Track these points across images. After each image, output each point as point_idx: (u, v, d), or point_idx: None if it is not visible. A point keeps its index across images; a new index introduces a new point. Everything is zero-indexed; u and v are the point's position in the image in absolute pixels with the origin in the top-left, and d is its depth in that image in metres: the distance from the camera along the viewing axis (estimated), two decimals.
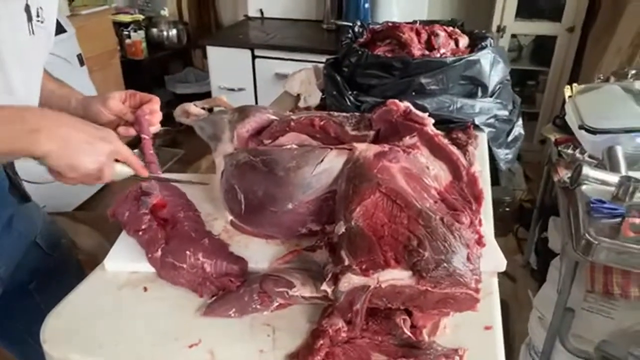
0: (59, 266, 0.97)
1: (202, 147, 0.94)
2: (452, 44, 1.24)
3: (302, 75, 1.47)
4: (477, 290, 0.58)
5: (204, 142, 0.92)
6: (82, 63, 2.46)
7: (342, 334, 0.61)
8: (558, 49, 2.65)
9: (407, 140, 0.78)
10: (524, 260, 2.12)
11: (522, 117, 1.29)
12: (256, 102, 2.59)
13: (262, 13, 2.98)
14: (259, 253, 0.76)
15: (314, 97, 1.38)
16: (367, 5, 2.58)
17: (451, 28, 1.30)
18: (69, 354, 0.62)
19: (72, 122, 0.67)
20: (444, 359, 0.57)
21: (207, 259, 0.71)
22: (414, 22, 1.35)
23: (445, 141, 0.78)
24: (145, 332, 0.64)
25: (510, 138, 1.22)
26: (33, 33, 0.72)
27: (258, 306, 0.66)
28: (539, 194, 1.97)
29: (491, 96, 1.20)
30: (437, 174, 0.74)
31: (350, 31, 1.34)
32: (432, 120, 0.81)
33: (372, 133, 0.84)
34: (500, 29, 2.66)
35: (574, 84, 1.58)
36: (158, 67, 3.46)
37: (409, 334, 0.61)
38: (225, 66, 2.62)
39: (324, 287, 0.61)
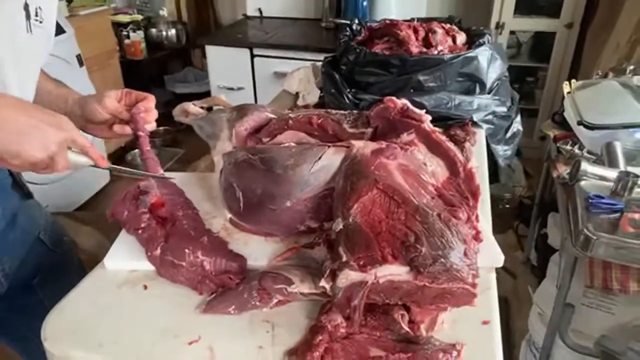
0: (61, 263, 0.98)
1: (202, 146, 0.94)
2: (450, 41, 1.25)
3: (300, 74, 1.47)
4: (474, 285, 0.58)
5: (203, 141, 0.92)
6: (81, 63, 2.46)
7: (341, 329, 0.61)
8: (557, 45, 2.65)
9: (405, 137, 0.78)
10: (524, 256, 2.12)
11: (521, 114, 1.29)
12: (256, 101, 2.59)
13: (260, 12, 2.98)
14: (258, 250, 0.76)
15: (313, 95, 1.39)
16: (365, 3, 2.58)
17: (449, 25, 1.30)
18: (70, 351, 0.63)
19: (19, 105, 0.62)
20: (442, 353, 0.58)
21: (206, 257, 0.71)
22: (412, 19, 1.36)
23: (443, 138, 0.78)
24: (145, 330, 0.64)
25: (508, 134, 1.22)
26: (31, 32, 0.72)
27: (257, 303, 0.66)
28: (539, 190, 1.97)
29: (489, 93, 1.20)
30: (435, 170, 0.75)
31: (348, 29, 1.34)
32: (430, 117, 0.81)
33: (369, 130, 0.85)
34: (499, 26, 2.66)
35: (573, 80, 1.58)
36: (157, 67, 3.47)
37: (407, 329, 0.61)
38: (225, 65, 2.63)
39: (322, 283, 0.61)
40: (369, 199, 0.66)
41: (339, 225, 0.65)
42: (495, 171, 1.24)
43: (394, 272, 0.59)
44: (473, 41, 1.23)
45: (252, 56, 2.54)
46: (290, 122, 0.86)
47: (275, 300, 0.66)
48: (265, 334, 0.63)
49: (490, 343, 0.61)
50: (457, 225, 0.62)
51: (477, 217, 0.71)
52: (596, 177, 1.13)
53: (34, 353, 0.92)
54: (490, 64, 1.18)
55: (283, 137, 0.86)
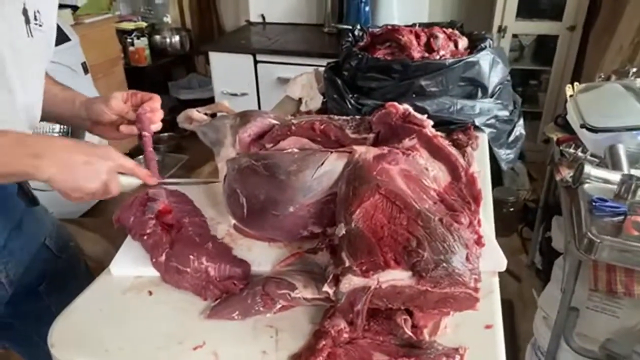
0: (67, 268, 0.98)
1: (206, 152, 0.95)
2: (452, 45, 1.25)
3: (303, 80, 1.48)
4: (476, 290, 0.59)
5: (207, 147, 0.93)
6: (86, 71, 2.49)
7: (344, 334, 0.61)
8: (559, 48, 2.65)
9: (407, 142, 0.79)
10: (529, 260, 2.11)
11: (525, 117, 1.29)
12: (259, 107, 2.60)
13: (263, 18, 3.00)
14: (262, 256, 0.77)
15: (316, 101, 1.39)
16: (367, 9, 2.59)
17: (450, 30, 1.31)
18: (76, 357, 0.63)
19: (71, 145, 0.70)
20: (445, 358, 0.58)
21: (210, 263, 0.72)
22: (413, 25, 1.36)
23: (444, 142, 0.79)
24: (150, 335, 0.65)
25: (511, 138, 1.23)
26: (32, 36, 0.74)
27: (261, 308, 0.66)
28: (543, 194, 1.97)
29: (491, 97, 1.20)
30: (436, 175, 0.75)
31: (351, 35, 1.35)
32: (431, 122, 0.82)
33: (372, 136, 0.85)
34: (502, 30, 2.66)
35: (576, 83, 1.58)
36: (161, 74, 3.49)
37: (410, 333, 0.61)
38: (228, 71, 2.64)
39: (326, 288, 0.61)
40: (371, 204, 0.66)
41: (341, 230, 0.66)
42: (499, 175, 1.24)
43: (397, 277, 0.59)
44: (475, 46, 1.23)
45: (255, 62, 2.56)
46: (293, 128, 0.87)
47: (278, 306, 0.67)
48: (269, 339, 0.64)
49: (493, 347, 0.61)
50: (459, 230, 0.62)
51: (479, 221, 0.71)
52: (599, 180, 1.13)
53: (41, 358, 0.93)
54: (492, 68, 1.18)
55: (286, 143, 0.87)
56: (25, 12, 0.72)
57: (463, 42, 1.28)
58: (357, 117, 0.91)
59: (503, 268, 0.72)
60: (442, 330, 0.63)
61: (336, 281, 0.61)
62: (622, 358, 1.07)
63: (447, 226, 0.62)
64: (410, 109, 0.84)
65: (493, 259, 0.72)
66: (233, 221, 0.82)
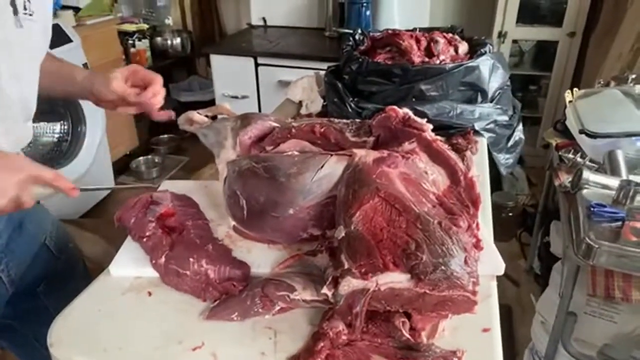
0: (66, 269, 0.99)
1: (207, 154, 0.95)
2: (452, 50, 1.26)
3: (304, 83, 1.48)
4: (474, 293, 0.59)
5: (208, 149, 0.94)
6: None
7: (343, 336, 0.62)
8: (559, 54, 2.67)
9: (406, 145, 0.79)
10: (527, 264, 2.12)
11: (524, 122, 1.30)
12: (260, 110, 2.61)
13: (265, 21, 3.01)
14: (261, 258, 0.77)
15: (316, 104, 1.40)
16: (368, 13, 2.60)
17: (450, 35, 1.31)
18: (75, 357, 0.63)
19: None
20: None
21: (210, 265, 0.72)
22: (414, 29, 1.37)
23: (444, 146, 0.79)
24: (149, 336, 0.65)
25: (510, 143, 1.23)
26: (21, 26, 0.72)
27: (260, 310, 0.67)
28: (542, 199, 1.97)
29: (491, 102, 1.21)
30: (436, 178, 0.75)
31: (351, 39, 1.36)
32: (431, 126, 0.82)
33: (371, 139, 0.86)
34: (502, 35, 2.67)
35: (575, 89, 1.59)
36: (162, 76, 3.48)
37: (408, 336, 0.62)
38: (229, 74, 2.65)
39: (324, 290, 0.62)
40: (370, 207, 0.66)
41: (341, 232, 0.66)
42: (498, 179, 1.24)
43: (395, 279, 0.60)
44: (475, 51, 1.24)
45: (257, 65, 2.56)
46: (294, 130, 0.87)
47: (277, 307, 0.67)
48: (267, 340, 0.64)
49: (491, 350, 0.62)
50: (458, 234, 0.63)
51: (477, 225, 0.71)
52: (598, 185, 1.14)
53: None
54: (491, 73, 1.19)
55: (286, 145, 0.88)
56: (13, 3, 0.70)
57: (463, 47, 1.29)
58: (357, 120, 0.91)
59: (501, 272, 0.73)
60: (440, 333, 0.63)
61: (335, 283, 0.61)
62: None
63: (446, 229, 0.62)
64: (410, 113, 0.84)
65: (491, 262, 0.72)
66: (233, 223, 0.82)
